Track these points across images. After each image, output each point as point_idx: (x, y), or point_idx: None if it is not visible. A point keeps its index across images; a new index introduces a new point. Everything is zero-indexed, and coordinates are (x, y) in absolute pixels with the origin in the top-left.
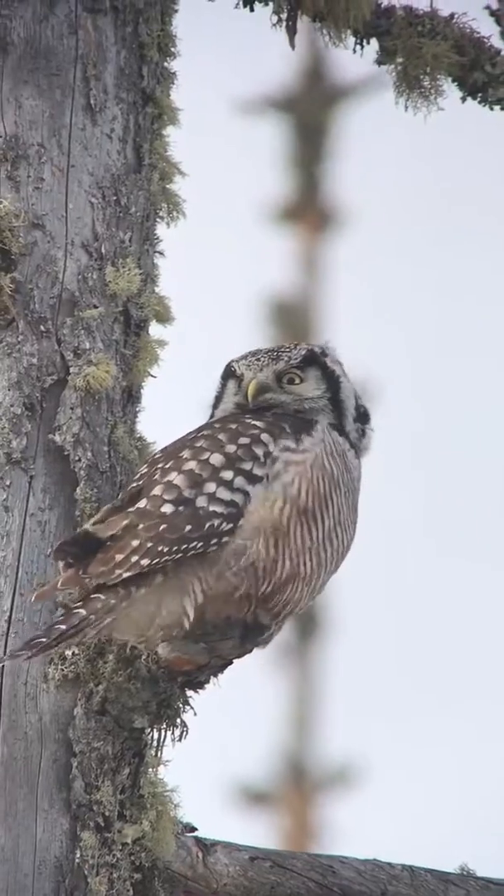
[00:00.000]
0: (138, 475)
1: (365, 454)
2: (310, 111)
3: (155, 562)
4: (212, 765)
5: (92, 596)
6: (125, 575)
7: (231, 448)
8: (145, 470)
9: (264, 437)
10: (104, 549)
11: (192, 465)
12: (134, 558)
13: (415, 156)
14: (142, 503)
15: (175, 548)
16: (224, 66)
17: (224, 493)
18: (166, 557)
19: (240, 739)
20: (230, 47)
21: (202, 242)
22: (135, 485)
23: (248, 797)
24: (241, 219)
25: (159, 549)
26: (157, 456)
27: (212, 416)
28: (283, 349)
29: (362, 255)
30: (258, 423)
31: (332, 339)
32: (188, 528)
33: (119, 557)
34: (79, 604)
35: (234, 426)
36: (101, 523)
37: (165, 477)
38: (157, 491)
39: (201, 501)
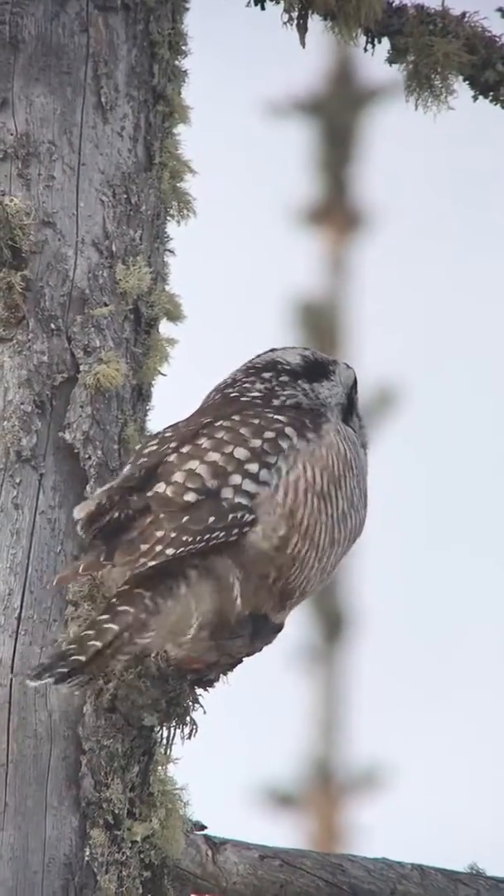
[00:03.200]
0: (147, 450)
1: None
2: (337, 114)
3: (180, 551)
4: (238, 767)
5: (119, 608)
6: (150, 564)
7: (256, 442)
8: (155, 447)
9: (288, 430)
10: (128, 540)
11: (214, 456)
12: (158, 548)
13: (441, 158)
14: (160, 488)
15: (199, 537)
16: (254, 68)
17: (250, 486)
18: (190, 547)
19: (266, 742)
20: (260, 48)
21: (228, 244)
22: (145, 460)
23: (275, 800)
24: (269, 221)
25: (183, 538)
26: (167, 434)
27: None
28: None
29: (389, 257)
30: (281, 418)
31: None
32: (212, 518)
33: (144, 548)
34: (105, 616)
35: (256, 420)
36: (121, 501)
37: (185, 464)
38: (178, 478)
39: (226, 493)
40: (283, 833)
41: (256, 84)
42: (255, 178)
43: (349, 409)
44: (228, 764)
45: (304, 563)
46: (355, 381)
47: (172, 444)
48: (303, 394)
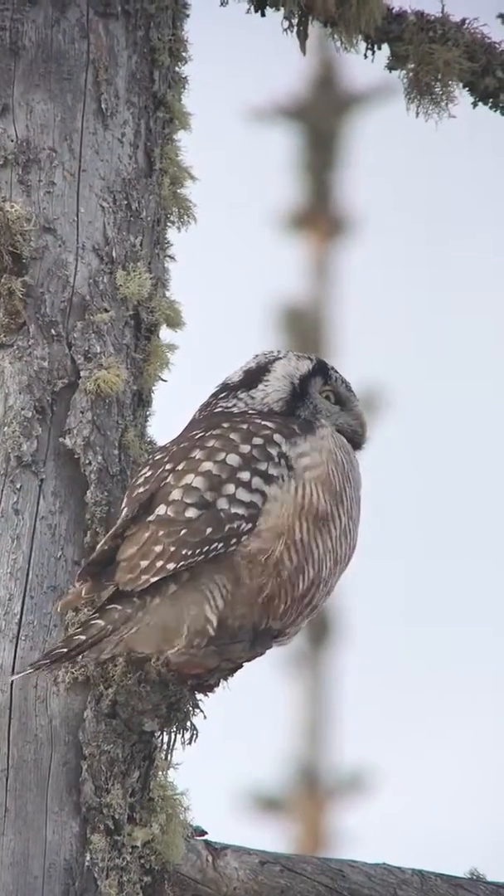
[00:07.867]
0: (143, 479)
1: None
2: (321, 118)
3: (180, 565)
4: (224, 771)
5: (108, 606)
6: (153, 580)
7: (245, 448)
8: (149, 473)
9: (276, 437)
10: (126, 558)
11: (208, 465)
12: (159, 563)
13: (425, 163)
14: (161, 510)
15: (198, 550)
16: (237, 73)
17: (243, 495)
18: (190, 560)
19: (252, 746)
20: (242, 53)
21: (213, 249)
22: (142, 490)
23: (260, 804)
24: (253, 226)
25: (183, 552)
26: (157, 457)
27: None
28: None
29: (373, 261)
30: (269, 424)
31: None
32: (209, 530)
33: (144, 564)
34: (95, 615)
35: (244, 426)
36: (119, 538)
37: (182, 480)
38: (176, 495)
39: (222, 503)
40: (268, 837)
41: (239, 89)
42: (238, 183)
43: (300, 397)
44: (213, 768)
45: (298, 577)
46: (313, 370)
47: (168, 466)
48: (243, 402)
